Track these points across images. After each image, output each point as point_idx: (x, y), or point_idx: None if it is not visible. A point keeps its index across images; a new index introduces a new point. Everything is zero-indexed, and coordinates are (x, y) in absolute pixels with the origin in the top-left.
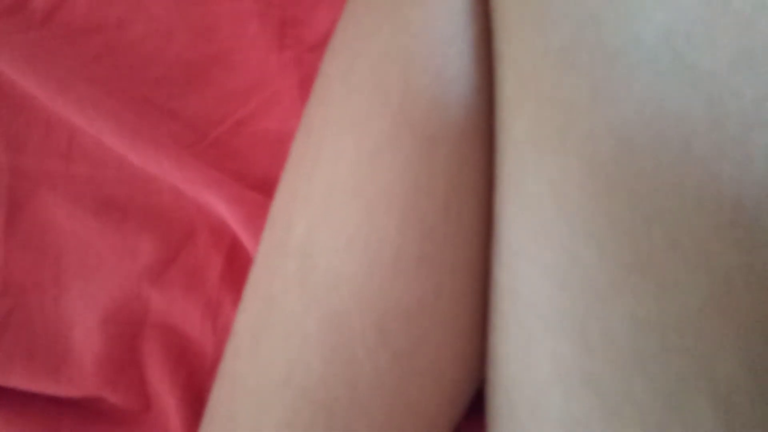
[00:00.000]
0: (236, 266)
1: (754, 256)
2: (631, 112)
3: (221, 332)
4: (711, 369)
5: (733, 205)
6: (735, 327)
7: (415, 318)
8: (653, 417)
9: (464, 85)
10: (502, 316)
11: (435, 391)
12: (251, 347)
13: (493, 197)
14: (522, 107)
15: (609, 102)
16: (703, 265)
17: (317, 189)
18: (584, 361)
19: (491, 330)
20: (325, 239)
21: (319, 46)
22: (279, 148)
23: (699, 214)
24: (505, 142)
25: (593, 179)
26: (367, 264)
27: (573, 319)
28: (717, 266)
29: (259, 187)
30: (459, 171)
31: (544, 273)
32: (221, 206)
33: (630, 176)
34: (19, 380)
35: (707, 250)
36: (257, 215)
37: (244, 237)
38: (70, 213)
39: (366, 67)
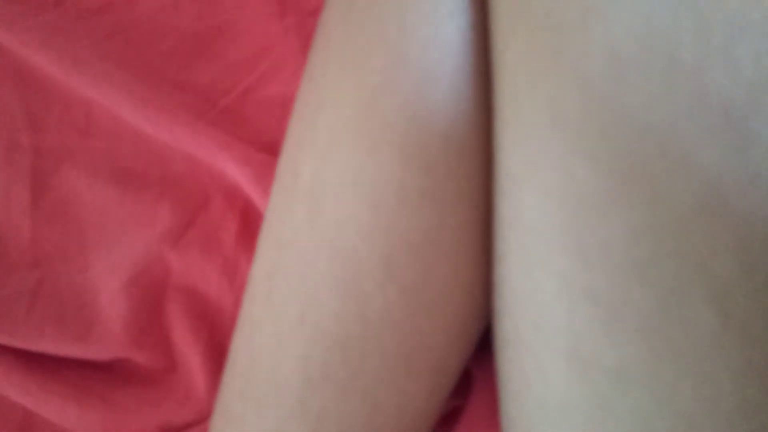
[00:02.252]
0: (250, 227)
1: (745, 156)
2: (620, 30)
3: (239, 290)
4: (707, 269)
5: (722, 110)
6: (729, 227)
7: (420, 251)
8: (652, 321)
9: (459, 21)
10: (506, 244)
11: (444, 323)
12: (267, 291)
13: (491, 127)
14: (515, 34)
15: (599, 22)
16: (695, 168)
17: (321, 133)
18: (584, 275)
19: (496, 260)
20: (330, 181)
21: (318, 10)
22: (285, 111)
23: (688, 122)
24: (500, 69)
25: (586, 96)
26: (372, 201)
27: (572, 235)
28: (708, 169)
29: (267, 150)
30: (457, 104)
31: (543, 195)
32: (233, 168)
33: (620, 91)
34: (51, 345)
35: (698, 154)
36: (266, 174)
37: (255, 196)
38: (91, 186)
39: (364, 4)
